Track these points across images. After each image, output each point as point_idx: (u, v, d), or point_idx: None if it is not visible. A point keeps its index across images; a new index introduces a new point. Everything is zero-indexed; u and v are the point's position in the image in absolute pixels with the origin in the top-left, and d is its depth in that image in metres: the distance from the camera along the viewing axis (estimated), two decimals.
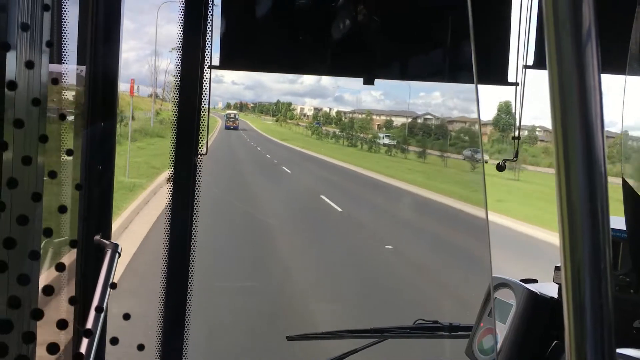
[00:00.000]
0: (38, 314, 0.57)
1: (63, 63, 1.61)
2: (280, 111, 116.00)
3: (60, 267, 1.30)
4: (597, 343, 0.49)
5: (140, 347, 0.75)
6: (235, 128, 73.68)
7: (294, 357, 4.89)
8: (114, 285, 1.36)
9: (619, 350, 1.13)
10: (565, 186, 0.49)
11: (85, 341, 1.30)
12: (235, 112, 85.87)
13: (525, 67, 2.00)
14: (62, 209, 1.16)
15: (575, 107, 0.49)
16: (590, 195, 0.48)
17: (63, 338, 1.50)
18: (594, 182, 0.48)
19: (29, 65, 0.64)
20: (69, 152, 1.38)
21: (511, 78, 2.06)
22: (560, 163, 0.49)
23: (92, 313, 1.36)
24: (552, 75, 0.49)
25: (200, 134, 1.89)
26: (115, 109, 1.65)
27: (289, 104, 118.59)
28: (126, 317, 0.88)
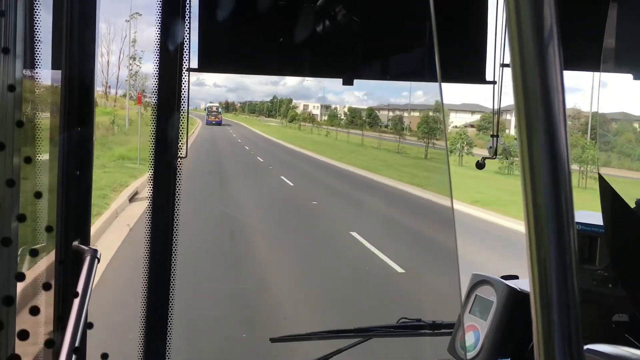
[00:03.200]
0: (24, 335, 0.56)
1: (36, 67, 1.59)
2: (277, 110, 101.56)
3: (33, 278, 1.28)
4: (565, 338, 0.50)
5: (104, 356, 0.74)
6: (219, 123, 65.08)
7: (277, 359, 4.88)
8: (90, 325, 1.34)
9: (590, 346, 1.15)
10: (530, 182, 0.50)
11: (63, 354, 1.28)
12: (217, 104, 73.57)
13: (503, 65, 2.02)
14: (35, 219, 1.14)
15: (538, 105, 0.49)
16: (554, 191, 0.49)
17: (33, 352, 1.48)
18: (557, 178, 0.49)
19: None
20: (42, 160, 1.37)
21: (489, 77, 2.08)
22: (525, 159, 0.50)
23: (72, 326, 1.34)
24: (515, 73, 0.50)
25: (180, 137, 1.88)
26: (92, 112, 1.63)
27: (289, 101, 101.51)
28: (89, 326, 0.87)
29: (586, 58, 1.84)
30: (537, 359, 0.50)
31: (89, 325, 0.98)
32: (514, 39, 0.50)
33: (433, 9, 0.85)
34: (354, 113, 72.62)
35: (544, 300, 0.50)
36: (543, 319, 0.50)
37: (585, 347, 1.11)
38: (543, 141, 0.49)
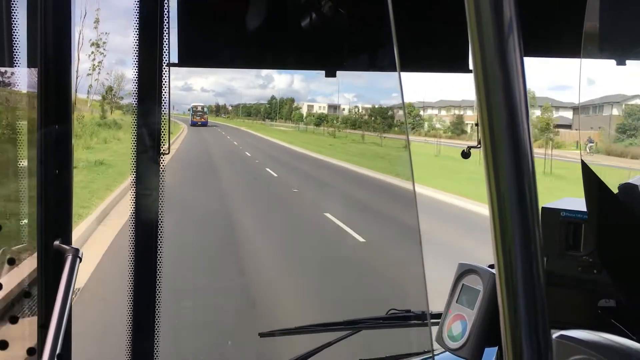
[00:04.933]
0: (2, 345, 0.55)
1: (14, 65, 1.57)
2: (278, 112, 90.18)
3: (15, 279, 1.27)
4: (532, 326, 0.49)
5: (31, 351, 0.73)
6: (204, 124, 59.32)
7: (267, 353, 4.88)
8: (68, 325, 1.33)
9: (563, 332, 1.15)
10: (492, 171, 0.49)
11: (45, 354, 1.27)
12: (202, 104, 65.51)
13: None
14: (18, 209, 1.13)
15: (500, 92, 0.49)
16: (517, 178, 0.48)
17: (23, 351, 1.47)
18: (521, 166, 0.48)
19: None
20: (21, 160, 1.35)
21: (472, 66, 2.07)
22: (488, 148, 0.49)
23: (54, 326, 1.33)
24: (475, 60, 0.49)
25: (162, 134, 1.86)
26: (70, 110, 1.61)
27: (292, 101, 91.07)
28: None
29: (565, 44, 1.84)
30: (505, 347, 0.50)
31: (66, 325, 0.97)
32: (473, 27, 0.49)
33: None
34: (380, 113, 60.29)
35: (510, 288, 0.49)
36: (509, 307, 0.49)
37: (559, 333, 1.11)
38: (505, 129, 0.49)
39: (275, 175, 22.31)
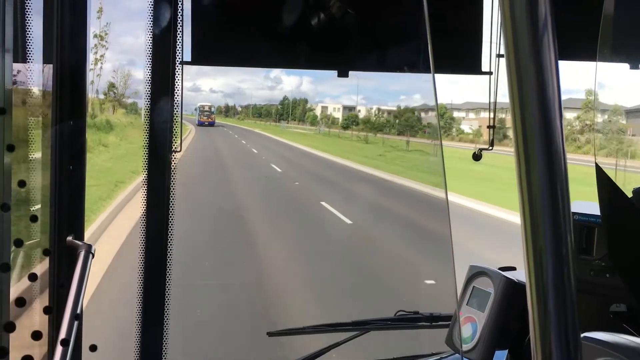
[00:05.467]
0: (10, 327, 0.55)
1: (29, 62, 1.57)
2: (290, 113, 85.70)
3: (29, 274, 1.27)
4: (561, 328, 0.49)
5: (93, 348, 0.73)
6: (211, 124, 58.04)
7: (275, 352, 4.88)
8: (79, 318, 1.33)
9: (587, 334, 1.14)
10: (525, 173, 0.49)
11: (60, 350, 1.27)
12: (209, 104, 63.83)
13: (499, 56, 2.01)
14: (29, 215, 1.13)
15: (534, 95, 0.48)
16: (550, 181, 0.48)
17: (37, 347, 1.47)
18: (553, 169, 0.48)
19: None
20: (37, 146, 1.35)
21: (485, 67, 2.07)
22: (520, 150, 0.49)
23: (67, 320, 1.33)
24: (509, 63, 0.49)
25: (174, 132, 1.87)
26: (85, 107, 1.62)
27: (305, 102, 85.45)
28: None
29: (582, 48, 1.83)
30: (534, 348, 0.49)
31: (77, 318, 0.97)
32: (508, 29, 0.49)
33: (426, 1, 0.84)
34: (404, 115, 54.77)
35: (540, 290, 0.49)
36: (539, 309, 0.49)
37: (583, 335, 1.11)
38: (538, 132, 0.48)
39: (350, 222, 13.11)
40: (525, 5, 0.48)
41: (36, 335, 1.33)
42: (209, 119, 58.78)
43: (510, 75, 0.49)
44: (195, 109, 60.30)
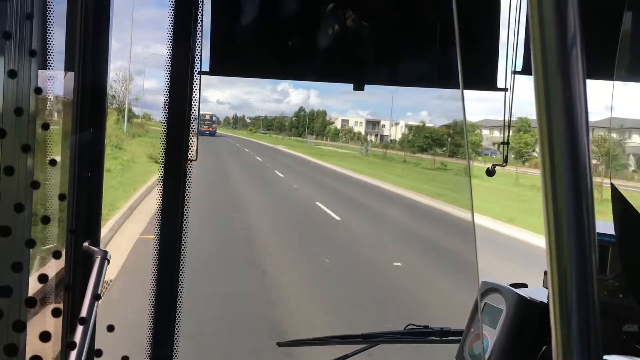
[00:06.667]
0: (21, 326, 0.56)
1: (49, 69, 1.60)
2: (307, 126, 78.68)
3: (44, 278, 1.29)
4: (584, 348, 0.49)
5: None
6: (212, 134, 56.11)
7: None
8: (98, 297, 1.35)
9: (607, 357, 1.13)
10: (551, 191, 0.49)
11: (72, 354, 1.28)
12: (210, 113, 62.62)
13: (514, 72, 2.02)
14: (46, 219, 1.15)
15: (561, 113, 0.49)
16: (576, 200, 0.49)
17: (50, 351, 1.49)
18: (579, 188, 0.49)
19: (12, 74, 0.63)
20: (54, 161, 1.37)
21: (500, 84, 2.07)
22: (546, 168, 0.49)
23: (80, 324, 1.35)
24: (537, 80, 0.49)
25: (191, 140, 1.89)
26: (104, 115, 1.64)
27: (324, 114, 77.86)
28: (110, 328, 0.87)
29: (598, 66, 1.83)
30: None
31: (109, 328, 0.98)
32: (537, 45, 0.49)
33: (457, 19, 0.84)
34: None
35: (563, 309, 0.49)
36: (562, 329, 0.49)
37: (603, 357, 1.10)
38: (565, 151, 0.49)
39: None
40: (554, 23, 0.49)
41: (45, 337, 1.34)
42: (210, 129, 57.10)
43: (538, 93, 0.50)
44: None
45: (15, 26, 0.69)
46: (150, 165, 20.82)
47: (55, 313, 1.54)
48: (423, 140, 54.29)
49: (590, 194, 0.49)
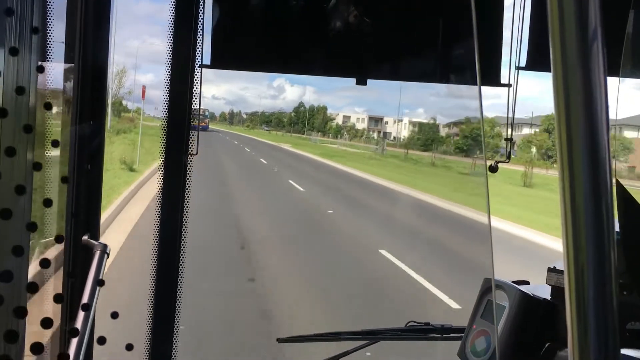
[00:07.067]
0: (21, 312, 0.55)
1: (48, 58, 1.58)
2: (307, 122, 75.28)
3: (45, 264, 1.27)
4: (601, 346, 0.48)
5: (129, 347, 0.73)
6: (204, 128, 52.10)
7: (284, 359, 4.85)
8: (101, 282, 1.33)
9: (624, 351, 1.12)
10: (569, 188, 0.48)
11: (73, 341, 1.27)
12: (203, 107, 61.08)
13: (518, 68, 2.00)
14: (48, 202, 1.13)
15: (580, 109, 0.47)
16: (595, 197, 0.47)
17: (49, 338, 1.47)
18: (598, 184, 0.47)
19: (13, 52, 0.61)
20: (55, 143, 1.35)
21: (504, 80, 2.06)
22: (565, 164, 0.48)
23: (80, 312, 1.33)
24: (556, 76, 0.48)
25: (191, 134, 1.87)
26: (105, 104, 1.63)
27: (324, 109, 74.33)
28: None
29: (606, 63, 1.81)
30: None
31: (113, 315, 0.97)
32: (556, 41, 0.48)
33: (475, 11, 0.82)
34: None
35: (580, 307, 0.48)
36: (579, 327, 0.48)
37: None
38: (584, 147, 0.47)
39: None
40: (574, 19, 0.47)
41: (46, 323, 1.33)
42: (202, 123, 56.97)
43: (557, 90, 0.48)
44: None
45: (18, 4, 0.67)
46: (120, 177, 16.27)
47: (53, 297, 1.53)
48: (459, 140, 47.53)
49: (610, 192, 0.48)
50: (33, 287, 0.61)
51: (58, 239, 1.59)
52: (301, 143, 54.71)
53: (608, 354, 0.48)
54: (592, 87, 0.47)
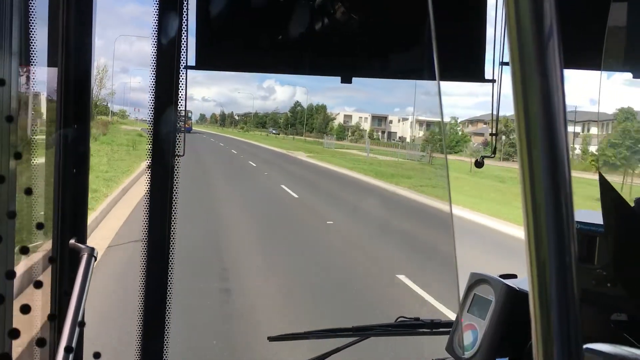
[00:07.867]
0: (14, 334, 0.55)
1: (32, 65, 1.58)
2: (305, 123, 70.90)
3: (38, 284, 1.28)
4: (564, 338, 0.49)
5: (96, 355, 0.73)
6: (188, 130, 51.32)
7: (275, 357, 4.86)
8: (81, 324, 1.33)
9: (589, 346, 1.14)
10: (529, 181, 0.49)
11: (61, 356, 1.27)
12: (187, 109, 59.69)
13: (502, 63, 2.02)
14: (34, 207, 1.14)
15: (538, 103, 0.49)
16: (554, 190, 0.48)
17: (41, 356, 1.47)
18: (557, 177, 0.48)
19: None
20: (39, 148, 1.36)
21: (488, 75, 2.07)
22: (524, 158, 0.49)
23: (69, 325, 1.33)
24: (514, 72, 0.49)
25: (178, 136, 1.87)
26: (89, 110, 1.62)
27: (324, 109, 69.43)
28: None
29: (586, 56, 1.83)
30: (536, 359, 0.49)
31: (79, 324, 0.97)
32: (513, 36, 0.49)
33: (432, 7, 0.84)
34: None
35: (543, 300, 0.49)
36: (542, 319, 0.49)
37: (585, 346, 1.11)
38: (543, 140, 0.49)
39: None
40: (530, 13, 0.48)
41: (41, 343, 1.33)
42: (186, 125, 56.55)
43: (515, 83, 0.50)
44: None
45: None
46: None
47: (45, 316, 1.53)
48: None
49: (569, 184, 0.49)
50: (25, 309, 0.62)
51: (46, 245, 1.59)
52: (316, 150, 46.49)
53: (571, 347, 0.49)
54: (549, 82, 0.48)
